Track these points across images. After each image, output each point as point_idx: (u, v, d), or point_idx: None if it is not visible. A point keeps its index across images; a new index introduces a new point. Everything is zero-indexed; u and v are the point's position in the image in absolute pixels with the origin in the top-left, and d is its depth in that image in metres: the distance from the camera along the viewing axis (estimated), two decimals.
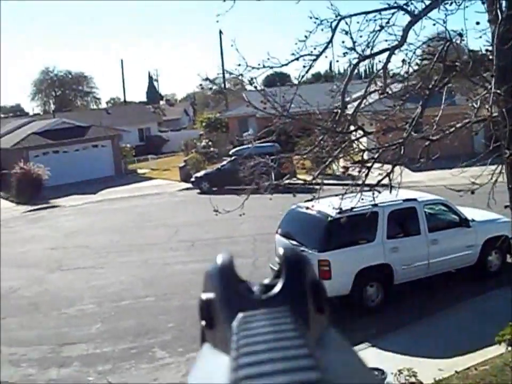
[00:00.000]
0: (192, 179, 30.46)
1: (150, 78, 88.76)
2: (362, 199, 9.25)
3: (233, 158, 30.21)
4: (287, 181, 9.34)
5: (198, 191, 29.77)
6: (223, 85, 62.05)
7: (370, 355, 9.98)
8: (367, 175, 8.34)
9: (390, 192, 9.35)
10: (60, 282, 16.21)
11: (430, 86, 8.02)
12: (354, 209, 10.57)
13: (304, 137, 33.53)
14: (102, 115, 47.57)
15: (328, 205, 11.64)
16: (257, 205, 24.43)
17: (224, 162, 30.54)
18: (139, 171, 39.45)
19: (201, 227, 21.42)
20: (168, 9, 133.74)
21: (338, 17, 7.92)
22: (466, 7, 8.15)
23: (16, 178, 31.48)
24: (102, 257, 18.39)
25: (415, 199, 12.77)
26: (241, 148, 31.45)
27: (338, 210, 10.63)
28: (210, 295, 0.64)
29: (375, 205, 12.05)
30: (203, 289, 0.66)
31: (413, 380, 7.98)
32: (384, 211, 12.15)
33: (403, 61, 8.07)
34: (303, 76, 8.85)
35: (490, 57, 7.88)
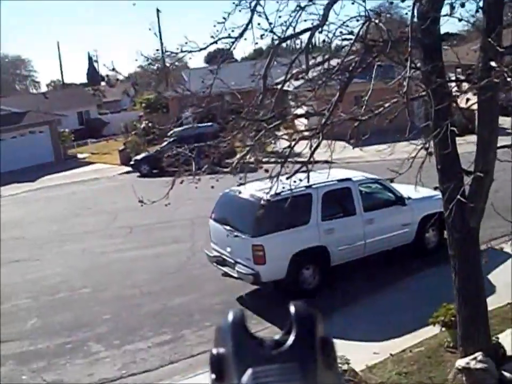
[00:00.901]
0: (132, 162, 29.98)
1: (90, 59, 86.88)
2: (295, 181, 9.08)
3: (172, 139, 29.83)
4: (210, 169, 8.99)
5: (138, 174, 29.34)
6: (162, 64, 61.31)
7: None
8: (282, 164, 8.19)
9: (329, 169, 9.27)
10: None
11: (350, 68, 7.91)
12: (287, 192, 10.42)
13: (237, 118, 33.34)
14: (40, 100, 46.15)
15: (260, 188, 11.44)
16: (194, 187, 24.37)
17: (164, 144, 30.11)
18: (79, 156, 38.60)
19: (139, 212, 20.81)
20: None
21: None
22: None
23: None
24: (38, 248, 17.89)
25: (349, 179, 12.73)
26: (180, 129, 31.09)
27: (270, 194, 10.45)
28: (221, 350, 0.64)
29: (309, 187, 12.02)
30: (214, 344, 0.66)
31: (345, 367, 7.95)
32: (318, 192, 12.08)
33: (323, 41, 7.92)
34: (223, 60, 8.61)
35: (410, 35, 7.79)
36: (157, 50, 10.01)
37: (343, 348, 9.28)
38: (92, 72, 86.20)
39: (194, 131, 28.68)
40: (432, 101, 7.62)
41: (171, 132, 30.41)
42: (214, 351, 0.66)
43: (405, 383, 8.47)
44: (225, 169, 8.56)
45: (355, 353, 8.83)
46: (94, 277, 14.77)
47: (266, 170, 8.31)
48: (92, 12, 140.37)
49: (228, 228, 12.20)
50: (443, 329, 9.30)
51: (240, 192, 12.18)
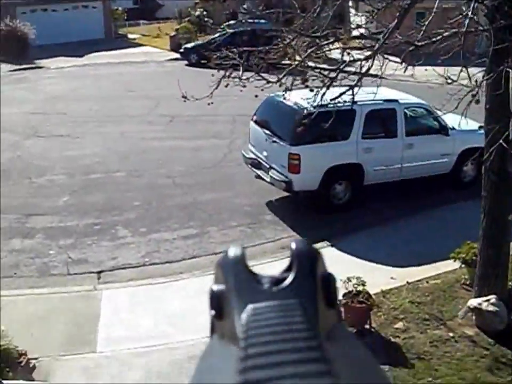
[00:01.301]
0: (181, 50, 29.62)
1: None
2: (342, 93, 8.87)
3: (224, 32, 29.28)
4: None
5: (186, 62, 29.04)
6: None
7: (327, 255, 10.05)
8: (329, 83, 7.99)
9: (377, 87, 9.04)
10: (34, 150, 15.99)
11: None
12: (332, 105, 10.23)
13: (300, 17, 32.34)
14: None
15: (306, 97, 11.23)
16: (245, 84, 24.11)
17: (216, 35, 29.62)
18: (129, 36, 38.20)
19: (182, 102, 20.95)
20: None
21: None
22: None
23: (1, 35, 30.26)
24: (79, 126, 18.07)
25: (396, 100, 12.42)
26: (235, 22, 30.44)
27: (315, 104, 10.27)
28: (221, 287, 0.64)
29: (354, 103, 11.78)
30: (214, 280, 0.66)
31: (360, 288, 8.06)
32: (362, 110, 11.82)
33: None
34: None
35: None
36: None
37: (362, 269, 9.44)
38: None
39: (248, 27, 28.16)
40: (493, 38, 7.32)
41: (227, 23, 29.94)
42: (214, 287, 0.66)
43: (415, 312, 8.58)
44: (271, 79, 8.36)
45: (372, 276, 8.94)
46: (130, 161, 14.95)
47: (311, 90, 8.14)
48: None
49: (268, 132, 12.14)
50: (462, 266, 9.30)
51: (285, 98, 11.98)
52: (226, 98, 21.04)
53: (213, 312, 0.65)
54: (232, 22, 30.18)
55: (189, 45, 29.75)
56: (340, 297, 8.17)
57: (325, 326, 0.60)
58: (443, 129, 12.71)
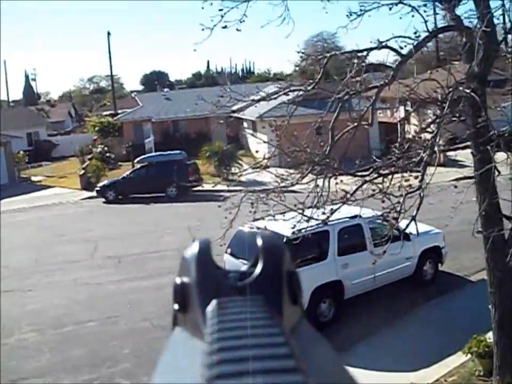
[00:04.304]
0: (97, 188, 29.70)
1: (27, 77, 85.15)
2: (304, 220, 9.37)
3: (139, 166, 29.85)
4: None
5: (104, 200, 29.11)
6: (110, 86, 60.77)
7: None
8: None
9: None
10: None
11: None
12: (307, 229, 10.87)
13: (207, 143, 33.66)
14: None
15: (280, 224, 11.79)
16: (169, 215, 24.51)
17: (129, 171, 30.09)
18: (33, 178, 37.85)
19: (121, 241, 21.07)
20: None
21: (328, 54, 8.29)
22: None
23: None
24: (26, 278, 17.57)
25: (360, 216, 13.29)
26: (147, 156, 31.15)
27: (292, 231, 10.83)
28: (186, 279, 0.65)
29: (326, 224, 12.56)
30: (178, 273, 0.67)
31: None
32: (334, 229, 12.61)
33: None
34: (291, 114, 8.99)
35: None
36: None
37: (379, 380, 9.85)
38: (29, 91, 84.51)
39: (163, 158, 28.92)
40: (476, 153, 8.32)
41: (139, 158, 30.61)
42: (178, 280, 0.66)
43: None
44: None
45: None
46: (97, 309, 14.70)
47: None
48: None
49: (247, 262, 12.48)
50: (474, 359, 9.96)
51: (258, 229, 12.48)
52: (162, 233, 21.43)
53: (176, 305, 0.66)
54: (142, 156, 30.91)
55: (105, 183, 29.94)
56: None
57: (289, 322, 0.61)
58: (405, 235, 13.64)
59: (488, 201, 8.28)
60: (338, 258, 12.65)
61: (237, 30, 9.05)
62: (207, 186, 22.76)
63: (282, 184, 8.77)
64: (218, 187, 16.60)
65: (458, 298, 13.36)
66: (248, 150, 34.69)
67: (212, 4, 8.97)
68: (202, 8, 9.13)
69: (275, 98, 9.70)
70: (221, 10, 8.81)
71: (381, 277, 13.26)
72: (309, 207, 8.82)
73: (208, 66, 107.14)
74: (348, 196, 8.02)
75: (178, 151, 29.72)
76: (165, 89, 61.79)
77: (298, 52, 8.50)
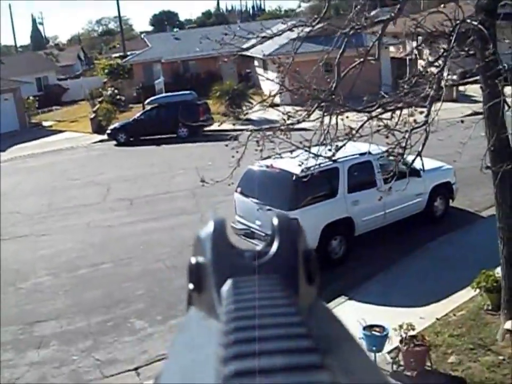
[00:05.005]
0: (108, 131, 29.66)
1: (34, 21, 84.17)
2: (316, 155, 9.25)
3: (149, 108, 29.68)
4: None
5: (115, 143, 29.10)
6: (118, 27, 59.90)
7: (350, 308, 10.52)
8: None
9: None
10: (4, 254, 15.53)
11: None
12: (317, 166, 10.77)
13: (218, 82, 33.29)
14: None
15: (288, 162, 11.71)
16: (181, 156, 24.49)
17: (140, 113, 29.94)
18: (44, 124, 37.85)
19: (132, 183, 21.14)
20: None
21: None
22: None
23: None
24: (39, 223, 17.78)
25: (370, 153, 13.16)
26: (157, 97, 30.90)
27: (302, 168, 10.74)
28: (200, 259, 0.64)
29: (334, 161, 12.48)
30: (193, 253, 0.66)
31: (412, 333, 8.52)
32: (344, 166, 12.54)
33: None
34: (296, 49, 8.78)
35: None
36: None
37: (389, 314, 9.92)
38: (37, 35, 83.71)
39: (173, 99, 28.68)
40: (485, 87, 8.13)
41: (149, 99, 30.40)
42: (193, 260, 0.65)
43: (460, 345, 9.12)
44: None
45: (402, 319, 9.40)
46: (110, 251, 14.86)
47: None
48: None
49: (258, 201, 12.50)
50: (483, 293, 10.00)
51: (267, 166, 12.43)
52: (173, 174, 21.46)
53: (191, 285, 0.65)
54: (152, 97, 30.65)
55: (116, 125, 29.88)
56: (398, 344, 8.60)
57: (305, 302, 0.61)
58: (414, 172, 13.54)
59: (497, 136, 8.13)
60: (348, 195, 12.59)
61: None
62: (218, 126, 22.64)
63: (288, 122, 8.63)
64: (229, 126, 16.46)
65: (469, 234, 13.32)
66: (260, 88, 34.28)
67: None
68: None
69: (279, 35, 9.46)
70: None
71: (391, 214, 13.22)
72: (315, 145, 8.71)
73: (218, 5, 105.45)
74: (354, 132, 7.88)
75: (188, 92, 29.46)
76: (175, 29, 60.84)
77: None
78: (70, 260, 14.63)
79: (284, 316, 0.51)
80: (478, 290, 10.00)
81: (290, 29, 8.83)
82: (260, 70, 35.42)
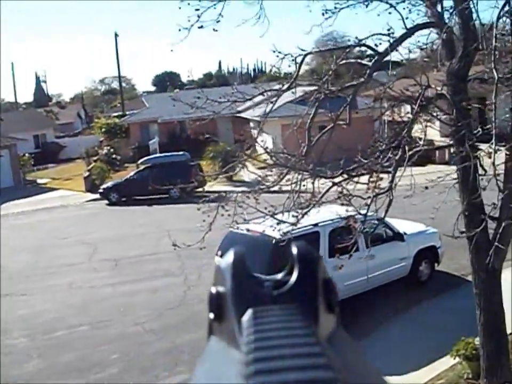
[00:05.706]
0: (101, 190, 29.67)
1: (37, 78, 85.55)
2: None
3: (142, 168, 29.77)
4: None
5: (107, 202, 29.06)
6: (118, 87, 60.82)
7: None
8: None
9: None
10: None
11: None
12: (297, 230, 10.66)
13: (213, 144, 33.30)
14: None
15: (268, 225, 11.59)
16: (170, 217, 24.37)
17: (132, 173, 30.02)
18: (39, 181, 37.96)
19: (120, 243, 20.98)
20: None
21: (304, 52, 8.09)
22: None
23: None
24: (21, 282, 17.53)
25: (352, 216, 13.07)
26: (150, 158, 31.05)
27: (281, 232, 10.62)
28: (221, 288, 0.65)
29: (315, 225, 12.41)
30: (213, 282, 0.67)
31: None
32: (325, 230, 12.40)
33: None
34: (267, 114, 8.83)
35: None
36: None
37: None
38: (40, 93, 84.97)
39: (166, 159, 28.81)
40: (458, 151, 8.07)
41: (142, 159, 30.54)
42: (213, 289, 0.66)
43: None
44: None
45: None
46: (89, 313, 14.58)
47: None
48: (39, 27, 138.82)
49: None
50: (463, 361, 9.73)
51: (248, 230, 12.29)
52: (161, 235, 21.30)
53: (212, 314, 0.65)
54: (145, 157, 30.81)
55: (108, 185, 29.91)
56: None
57: (325, 331, 0.61)
58: (397, 236, 13.45)
59: (470, 201, 8.05)
60: (329, 260, 12.40)
61: (214, 30, 8.86)
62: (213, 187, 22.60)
63: (259, 187, 8.57)
64: (221, 188, 16.29)
65: (453, 298, 13.10)
66: (255, 150, 34.48)
67: (216, 6, 8.67)
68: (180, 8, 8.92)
69: (250, 99, 9.48)
70: (197, 10, 8.64)
71: (375, 278, 13.05)
72: (279, 212, 8.64)
73: (220, 67, 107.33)
74: (316, 199, 7.80)
75: (181, 152, 29.63)
76: (175, 90, 61.63)
77: (274, 51, 8.21)
78: (48, 321, 14.34)
79: (304, 346, 0.50)
80: (457, 358, 9.73)
81: (261, 93, 8.85)
82: (254, 131, 35.70)
